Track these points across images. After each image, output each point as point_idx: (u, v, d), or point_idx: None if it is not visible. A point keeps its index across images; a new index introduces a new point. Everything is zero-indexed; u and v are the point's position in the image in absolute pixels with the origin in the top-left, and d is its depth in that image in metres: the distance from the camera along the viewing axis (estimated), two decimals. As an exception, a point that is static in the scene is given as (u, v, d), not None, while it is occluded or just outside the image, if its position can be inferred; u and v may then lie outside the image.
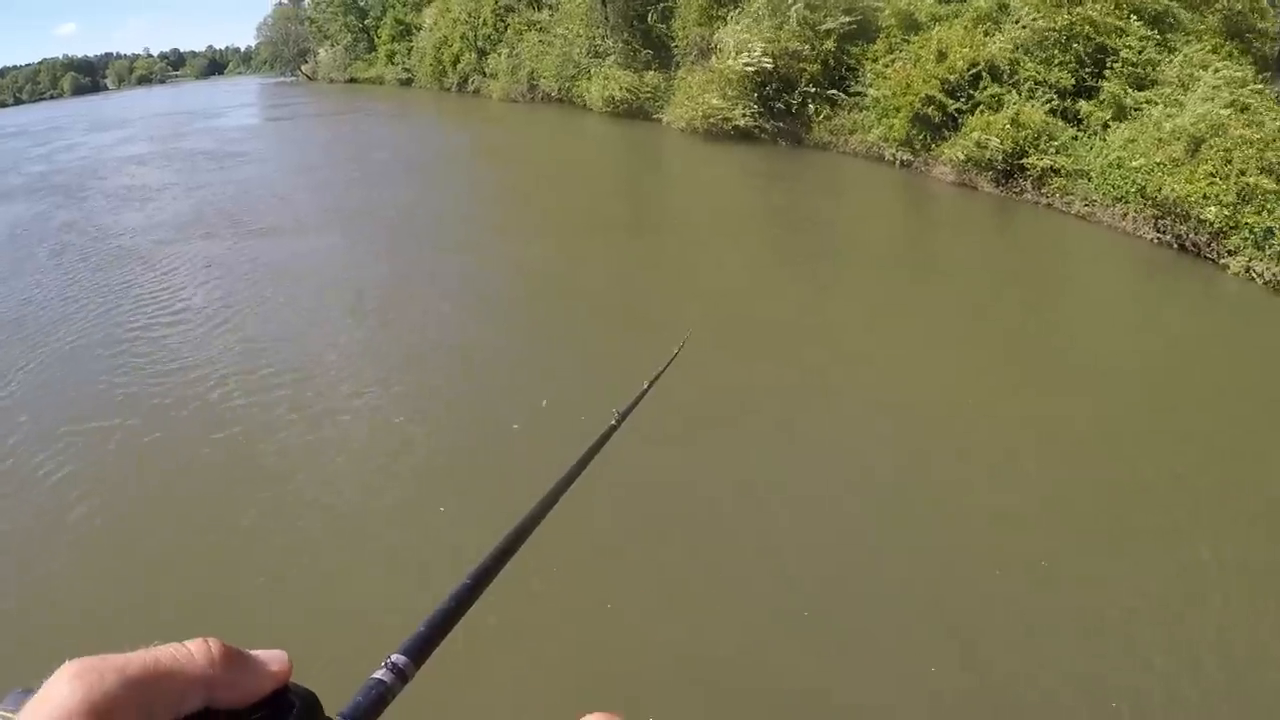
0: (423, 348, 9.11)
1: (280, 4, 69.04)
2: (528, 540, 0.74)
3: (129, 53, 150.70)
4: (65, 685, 0.32)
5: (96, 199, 20.08)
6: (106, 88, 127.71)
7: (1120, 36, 14.49)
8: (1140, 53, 14.11)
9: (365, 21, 55.00)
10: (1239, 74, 12.23)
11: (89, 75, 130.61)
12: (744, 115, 22.25)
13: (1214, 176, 11.29)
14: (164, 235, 15.09)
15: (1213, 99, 12.10)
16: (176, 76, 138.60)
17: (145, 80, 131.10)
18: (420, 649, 0.49)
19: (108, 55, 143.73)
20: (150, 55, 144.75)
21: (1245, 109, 11.79)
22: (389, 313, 10.41)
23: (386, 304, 10.71)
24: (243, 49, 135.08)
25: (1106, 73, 14.52)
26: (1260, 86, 11.99)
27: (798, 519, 5.68)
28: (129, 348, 9.48)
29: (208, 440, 7.16)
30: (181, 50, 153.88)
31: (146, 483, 6.68)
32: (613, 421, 1.36)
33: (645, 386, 1.71)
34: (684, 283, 11.15)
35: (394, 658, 0.47)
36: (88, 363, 9.23)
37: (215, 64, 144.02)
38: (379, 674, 0.46)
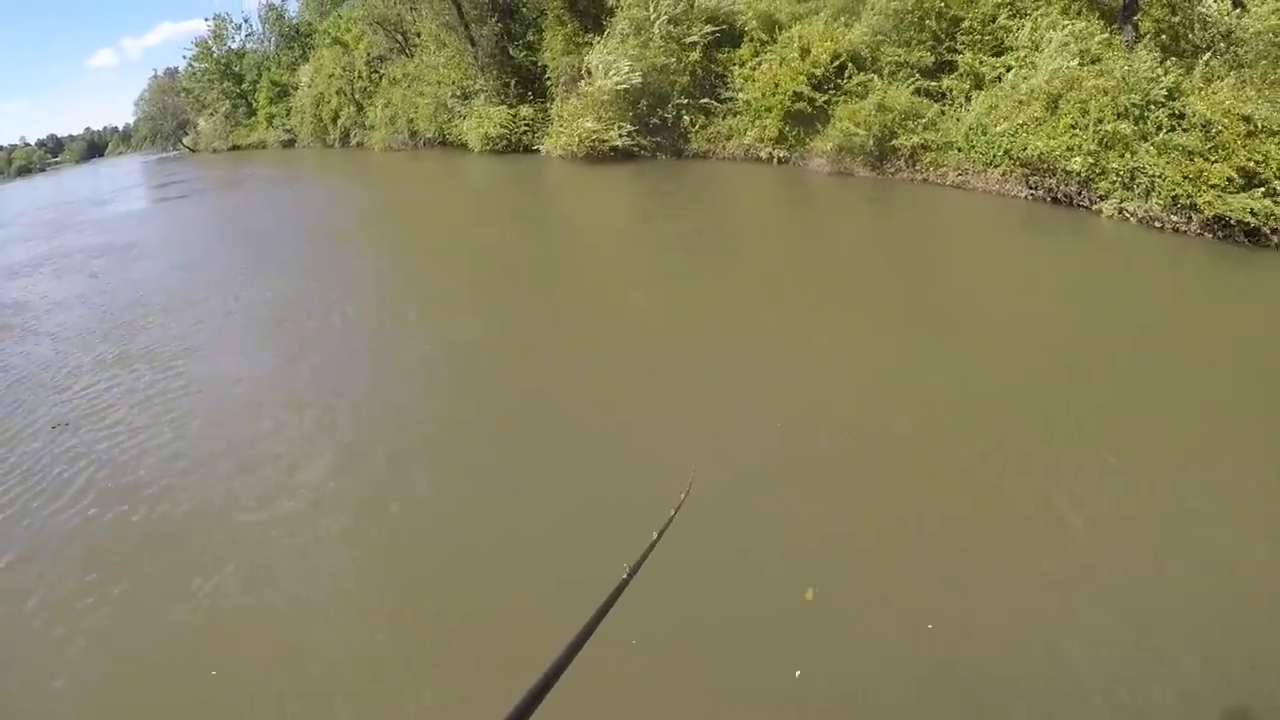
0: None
1: (155, 77, 66.19)
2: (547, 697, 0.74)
3: (5, 143, 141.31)
4: None
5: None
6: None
7: (971, 5, 14.22)
8: (994, 20, 13.82)
9: (242, 86, 52.87)
10: (1085, 27, 11.92)
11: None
12: (620, 135, 21.51)
13: (1074, 129, 10.81)
14: (56, 379, 10.46)
15: (1063, 54, 11.77)
16: (56, 163, 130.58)
17: (25, 170, 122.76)
18: None
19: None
20: (28, 144, 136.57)
21: (1096, 60, 11.45)
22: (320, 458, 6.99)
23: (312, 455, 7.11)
24: (121, 127, 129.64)
25: (958, 45, 14.21)
26: (1108, 37, 11.68)
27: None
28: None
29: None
30: (59, 135, 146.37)
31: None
32: (624, 575, 1.33)
33: (654, 537, 1.62)
34: (601, 338, 8.96)
35: None
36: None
37: (94, 146, 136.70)
38: None
